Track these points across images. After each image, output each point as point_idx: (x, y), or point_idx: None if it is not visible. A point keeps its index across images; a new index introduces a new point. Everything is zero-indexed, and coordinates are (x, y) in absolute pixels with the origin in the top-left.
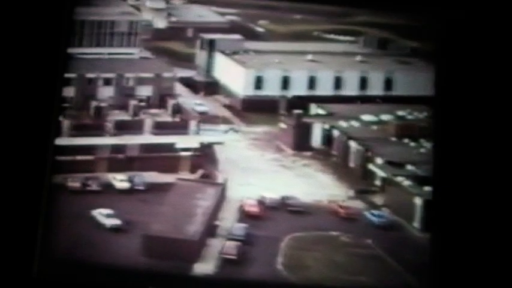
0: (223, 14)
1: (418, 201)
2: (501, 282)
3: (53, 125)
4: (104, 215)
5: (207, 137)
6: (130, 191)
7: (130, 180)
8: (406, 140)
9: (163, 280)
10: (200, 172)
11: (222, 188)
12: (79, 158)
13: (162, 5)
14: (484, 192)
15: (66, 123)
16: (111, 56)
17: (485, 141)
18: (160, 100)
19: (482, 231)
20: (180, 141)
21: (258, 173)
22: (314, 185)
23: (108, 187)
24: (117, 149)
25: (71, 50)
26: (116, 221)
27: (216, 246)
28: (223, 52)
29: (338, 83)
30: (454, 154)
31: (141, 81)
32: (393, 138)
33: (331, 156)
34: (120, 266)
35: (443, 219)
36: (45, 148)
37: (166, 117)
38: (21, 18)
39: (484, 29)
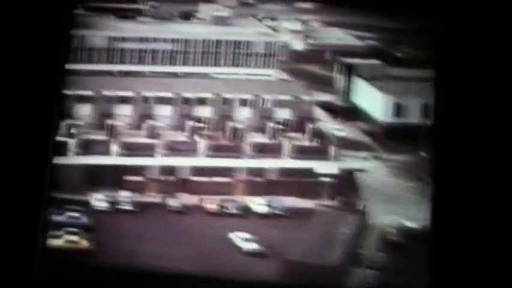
0: (362, 38)
1: None
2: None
3: (52, 126)
4: (241, 239)
5: (347, 163)
6: (269, 215)
7: (269, 204)
8: None
9: None
10: (340, 198)
11: (363, 215)
12: (216, 179)
13: (299, 26)
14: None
15: (202, 143)
16: (248, 77)
17: (488, 143)
18: (298, 123)
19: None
20: (320, 166)
21: (399, 201)
22: None
23: (246, 210)
24: (255, 171)
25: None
26: (253, 246)
27: (358, 274)
28: (362, 77)
29: None
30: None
31: (278, 104)
32: None
33: None
34: (121, 267)
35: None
36: (44, 154)
37: (305, 141)
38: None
39: (488, 31)
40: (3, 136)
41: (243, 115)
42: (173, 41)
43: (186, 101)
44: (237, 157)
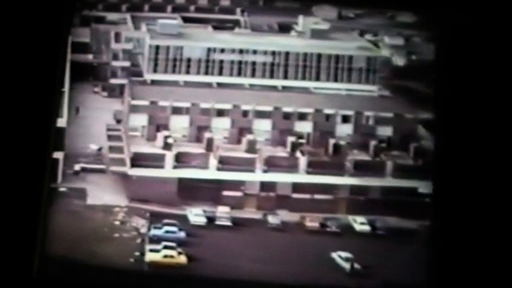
0: None
1: None
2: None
3: (52, 128)
4: (343, 258)
5: None
6: (370, 235)
7: (371, 223)
8: None
9: None
10: None
11: None
12: (317, 197)
13: (401, 42)
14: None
15: (302, 159)
16: (349, 93)
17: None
18: (401, 142)
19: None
20: (424, 186)
21: None
22: None
23: (348, 229)
24: (357, 189)
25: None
26: (355, 265)
27: None
28: None
29: None
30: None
31: (381, 121)
32: None
33: None
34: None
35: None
36: (44, 156)
37: (408, 160)
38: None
39: (490, 32)
40: (3, 136)
41: (345, 131)
42: (273, 53)
43: (286, 116)
44: (339, 174)
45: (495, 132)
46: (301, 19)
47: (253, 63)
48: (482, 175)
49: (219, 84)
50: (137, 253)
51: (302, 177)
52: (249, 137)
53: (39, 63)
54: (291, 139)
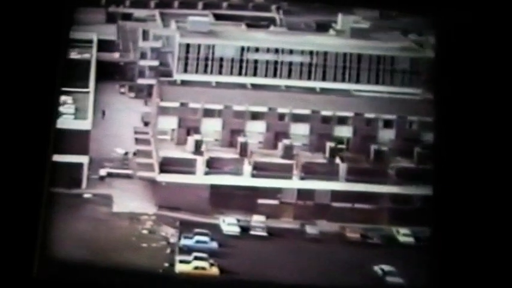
0: None
1: None
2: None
3: (52, 129)
4: (385, 272)
5: None
6: (414, 247)
7: (415, 235)
8: None
9: None
10: None
11: None
12: (358, 206)
13: None
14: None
15: (342, 166)
16: (390, 96)
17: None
18: None
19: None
20: None
21: None
22: None
23: (391, 241)
24: (400, 199)
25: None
26: (397, 279)
27: None
28: None
29: None
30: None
31: (425, 126)
32: None
33: None
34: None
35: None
36: (45, 159)
37: None
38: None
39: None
40: (4, 135)
41: (387, 137)
42: (311, 53)
43: (325, 120)
44: (381, 182)
45: (497, 134)
46: (340, 17)
47: (290, 64)
48: (483, 177)
49: (254, 86)
50: (166, 264)
51: (342, 185)
52: (286, 141)
53: (39, 63)
54: (329, 144)
